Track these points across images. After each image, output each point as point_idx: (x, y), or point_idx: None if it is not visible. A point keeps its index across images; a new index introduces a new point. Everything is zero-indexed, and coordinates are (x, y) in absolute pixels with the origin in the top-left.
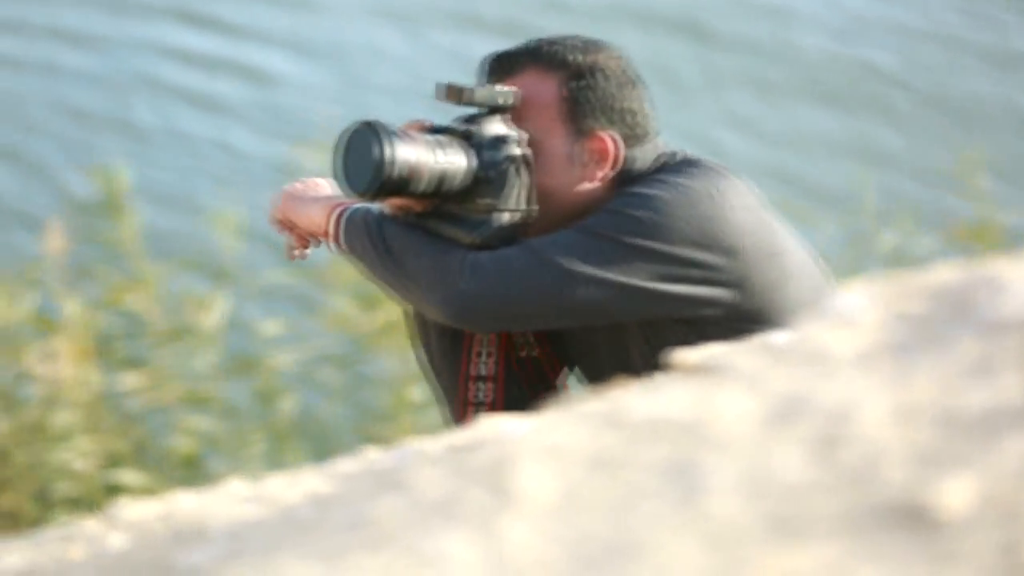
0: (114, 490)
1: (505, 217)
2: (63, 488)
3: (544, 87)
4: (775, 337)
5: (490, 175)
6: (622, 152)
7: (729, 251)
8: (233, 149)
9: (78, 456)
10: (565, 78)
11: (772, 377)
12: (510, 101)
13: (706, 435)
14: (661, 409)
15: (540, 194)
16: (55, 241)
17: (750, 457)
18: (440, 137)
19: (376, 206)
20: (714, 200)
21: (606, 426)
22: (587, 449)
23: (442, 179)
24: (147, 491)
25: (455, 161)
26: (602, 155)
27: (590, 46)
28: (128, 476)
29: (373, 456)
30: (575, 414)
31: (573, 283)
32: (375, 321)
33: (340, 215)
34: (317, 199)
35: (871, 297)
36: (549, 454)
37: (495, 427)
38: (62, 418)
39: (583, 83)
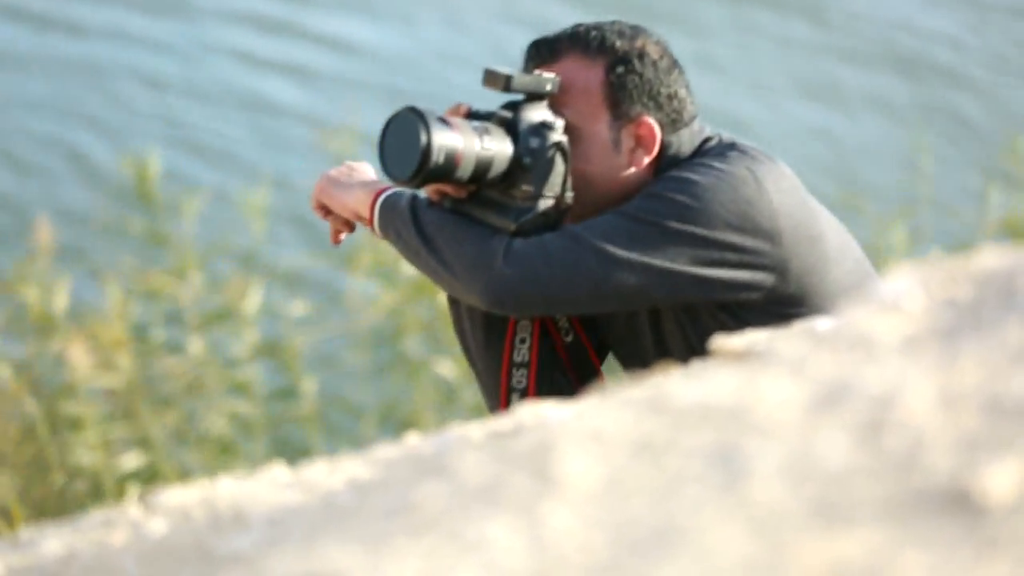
0: (138, 477)
1: (545, 204)
2: (80, 481)
3: (587, 73)
4: (818, 322)
5: (531, 162)
6: (663, 137)
7: (768, 235)
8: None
9: (88, 448)
10: (608, 63)
11: (816, 363)
12: (552, 88)
13: (750, 421)
14: (704, 395)
15: (583, 181)
16: (43, 236)
17: (794, 443)
18: (482, 123)
19: (415, 192)
20: (753, 184)
21: (649, 412)
22: (630, 435)
23: (484, 166)
24: (181, 476)
25: (497, 148)
26: (646, 141)
27: (632, 31)
28: (156, 462)
29: (414, 441)
30: (618, 400)
31: (614, 267)
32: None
33: (376, 200)
34: (356, 184)
35: (916, 282)
36: (592, 440)
37: (537, 413)
38: (80, 407)
39: (626, 68)
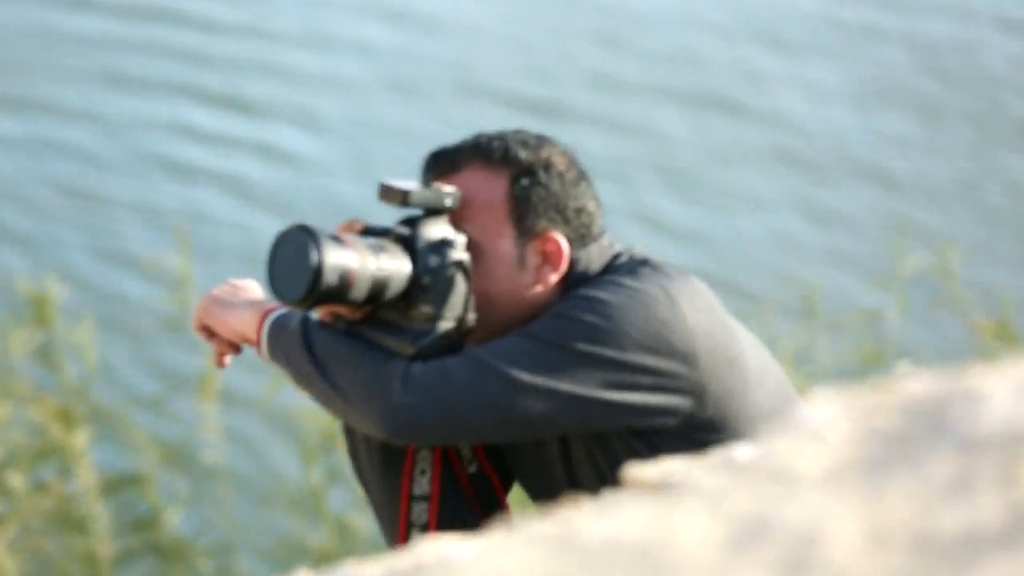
0: None
1: (446, 326)
2: None
3: (490, 185)
4: (737, 452)
5: (430, 282)
6: (572, 253)
7: (684, 357)
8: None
9: None
10: (513, 175)
11: (734, 496)
12: (452, 203)
13: (663, 559)
14: (615, 531)
15: (486, 300)
16: None
17: None
18: (377, 241)
19: (306, 313)
20: (667, 302)
21: (557, 550)
22: (537, 575)
23: (380, 286)
24: None
25: (393, 267)
26: (553, 257)
27: (536, 141)
28: None
29: None
30: (524, 536)
31: (519, 394)
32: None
33: (263, 321)
34: (241, 304)
35: (840, 410)
36: None
37: (438, 550)
38: None
39: (532, 180)
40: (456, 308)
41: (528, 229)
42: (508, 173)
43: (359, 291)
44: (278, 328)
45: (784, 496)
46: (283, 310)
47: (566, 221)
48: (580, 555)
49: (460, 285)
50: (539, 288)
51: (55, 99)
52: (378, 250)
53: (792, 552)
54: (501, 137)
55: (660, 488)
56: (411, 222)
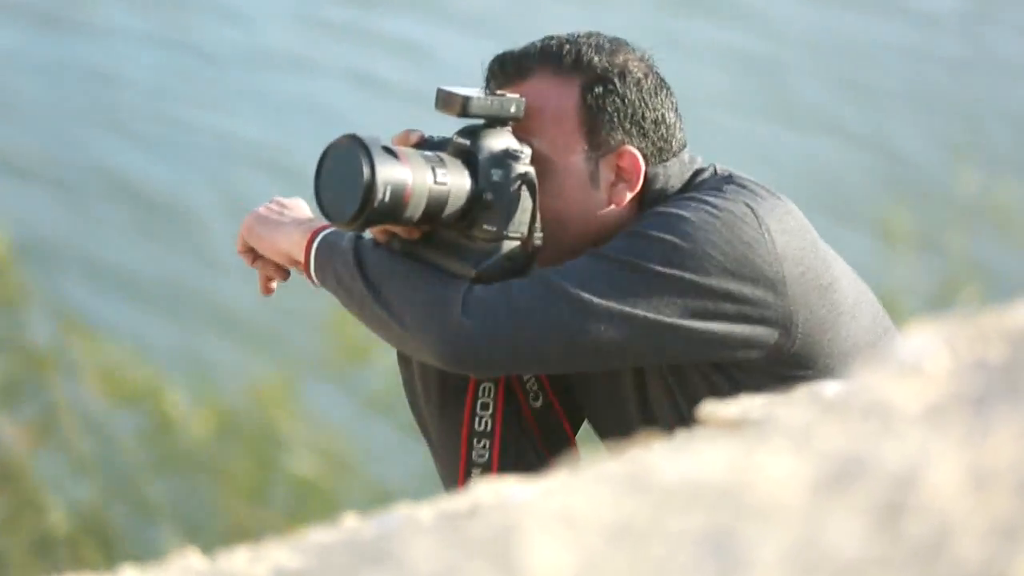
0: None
1: (510, 246)
2: None
3: (561, 94)
4: (827, 387)
5: (493, 198)
6: (648, 169)
7: (772, 283)
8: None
9: None
10: (585, 84)
11: (824, 435)
12: (516, 111)
13: (746, 502)
14: (693, 471)
15: (555, 219)
16: None
17: (799, 528)
18: (436, 154)
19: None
20: (754, 223)
21: (629, 490)
22: (607, 517)
23: (438, 203)
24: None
25: (453, 182)
26: (628, 174)
27: (611, 45)
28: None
29: (352, 525)
30: (592, 476)
31: (589, 318)
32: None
33: (312, 241)
34: (289, 223)
35: (942, 341)
36: (562, 522)
37: (497, 491)
38: None
39: (605, 89)
40: (521, 226)
41: (601, 143)
42: (580, 81)
43: (415, 209)
44: (328, 247)
45: (879, 434)
46: (333, 229)
47: (643, 134)
48: (654, 496)
49: (525, 201)
50: (613, 207)
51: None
52: (436, 164)
53: (888, 495)
54: (573, 41)
55: (740, 426)
56: (472, 133)
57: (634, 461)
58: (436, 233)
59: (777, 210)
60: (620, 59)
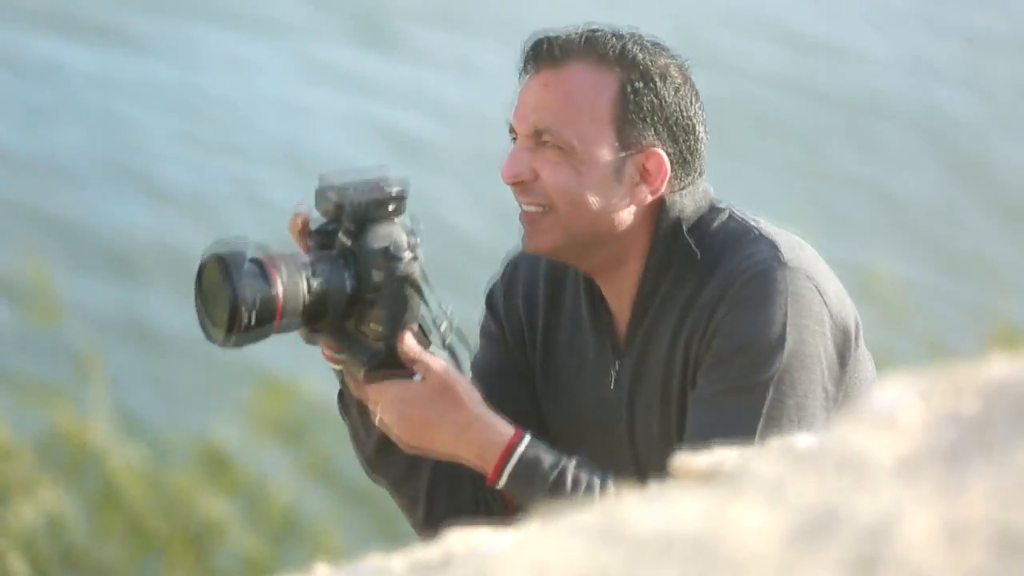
0: None
1: (411, 336)
2: None
3: (599, 84)
4: (800, 439)
5: (373, 299)
6: (667, 189)
7: (844, 361)
8: None
9: None
10: (625, 76)
11: (797, 487)
12: (396, 207)
13: (720, 554)
14: (667, 522)
15: (572, 204)
16: None
17: None
18: (314, 256)
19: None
20: (818, 299)
21: (602, 541)
22: (580, 568)
23: (316, 309)
24: None
25: (331, 287)
26: (652, 176)
27: (655, 47)
28: None
29: (324, 573)
30: (566, 527)
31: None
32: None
33: (503, 463)
34: (449, 423)
35: (915, 393)
36: (535, 573)
37: (470, 541)
38: None
39: (646, 87)
40: (408, 324)
41: (632, 140)
42: (620, 74)
43: (290, 320)
44: (525, 476)
45: (853, 487)
46: (524, 445)
47: (673, 139)
48: (628, 548)
49: (408, 301)
50: (630, 207)
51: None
52: (312, 267)
53: (862, 548)
54: (618, 34)
55: (714, 477)
56: (354, 231)
57: (607, 512)
58: (338, 322)
59: (814, 263)
60: (662, 61)
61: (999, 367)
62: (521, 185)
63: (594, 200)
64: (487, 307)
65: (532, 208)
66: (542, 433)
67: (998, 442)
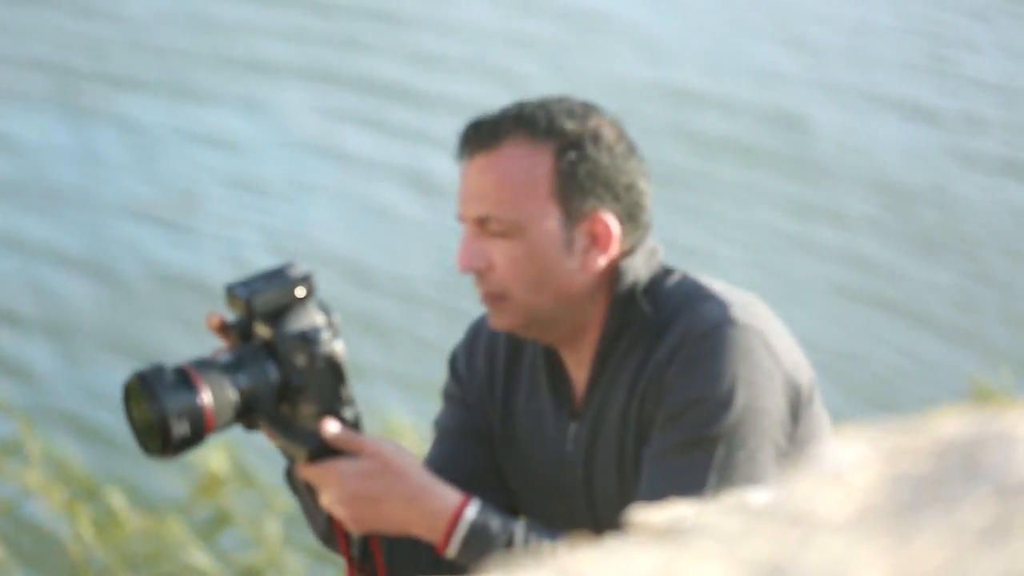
0: None
1: (335, 422)
2: None
3: (534, 160)
4: (751, 496)
5: (301, 383)
6: (618, 256)
7: (802, 402)
8: None
9: None
10: (559, 148)
11: (750, 542)
12: (305, 293)
13: None
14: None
15: (529, 285)
16: None
17: None
18: (236, 353)
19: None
20: (772, 354)
21: None
22: None
23: (248, 405)
24: None
25: (256, 381)
26: (602, 240)
27: (583, 110)
28: None
29: None
30: None
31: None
32: None
33: (453, 528)
34: (396, 496)
35: (866, 450)
36: None
37: None
38: None
39: (579, 154)
40: (336, 402)
41: (576, 209)
42: (553, 146)
43: (222, 420)
44: (478, 544)
45: (804, 542)
46: (472, 511)
47: (616, 198)
48: None
49: (333, 378)
50: (585, 275)
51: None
52: (236, 368)
53: None
54: (544, 106)
55: (668, 533)
56: (270, 321)
57: (561, 566)
58: (271, 412)
59: (766, 321)
60: (592, 123)
61: (948, 424)
62: (477, 274)
63: (550, 278)
64: (450, 370)
65: (491, 293)
66: (503, 493)
67: (947, 498)
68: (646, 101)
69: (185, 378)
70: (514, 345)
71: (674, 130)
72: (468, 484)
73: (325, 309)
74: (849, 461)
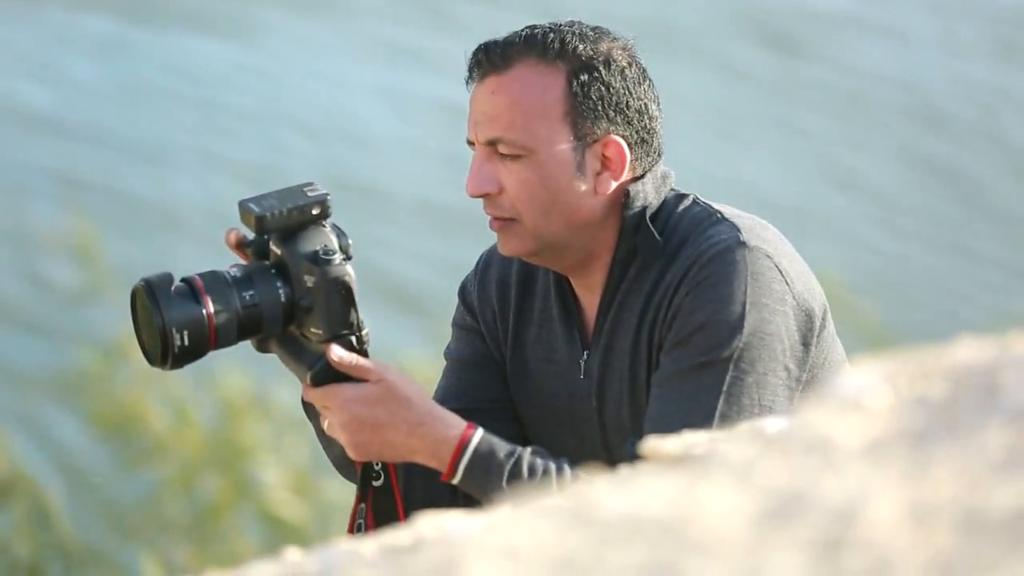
0: None
1: (340, 347)
2: None
3: (546, 84)
4: (768, 423)
5: (309, 303)
6: (628, 181)
7: (814, 327)
8: None
9: None
10: (571, 71)
11: (765, 469)
12: (321, 212)
13: (688, 536)
14: (635, 505)
15: (539, 208)
16: None
17: (739, 562)
18: (247, 268)
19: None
20: (783, 277)
21: (571, 524)
22: (549, 551)
23: (253, 322)
24: None
25: (263, 298)
26: (613, 163)
27: (595, 34)
28: None
29: (295, 558)
30: (535, 510)
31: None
32: None
33: (457, 456)
34: (400, 421)
35: (882, 377)
36: (505, 556)
37: (440, 525)
38: None
39: (591, 77)
40: (345, 326)
41: (587, 132)
42: (565, 68)
43: (227, 336)
44: (480, 470)
45: (820, 469)
46: (477, 439)
47: (628, 122)
48: (597, 530)
49: (345, 302)
50: (596, 197)
51: None
52: (244, 283)
53: (828, 530)
54: (556, 29)
55: (683, 461)
56: (284, 239)
57: (577, 496)
58: (279, 331)
59: (777, 244)
60: (604, 47)
61: (965, 351)
62: (487, 198)
63: (561, 201)
64: (461, 300)
65: (501, 218)
66: (516, 423)
67: (964, 425)
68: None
69: (191, 288)
70: (526, 275)
71: None
72: (481, 414)
73: (339, 232)
74: (865, 388)
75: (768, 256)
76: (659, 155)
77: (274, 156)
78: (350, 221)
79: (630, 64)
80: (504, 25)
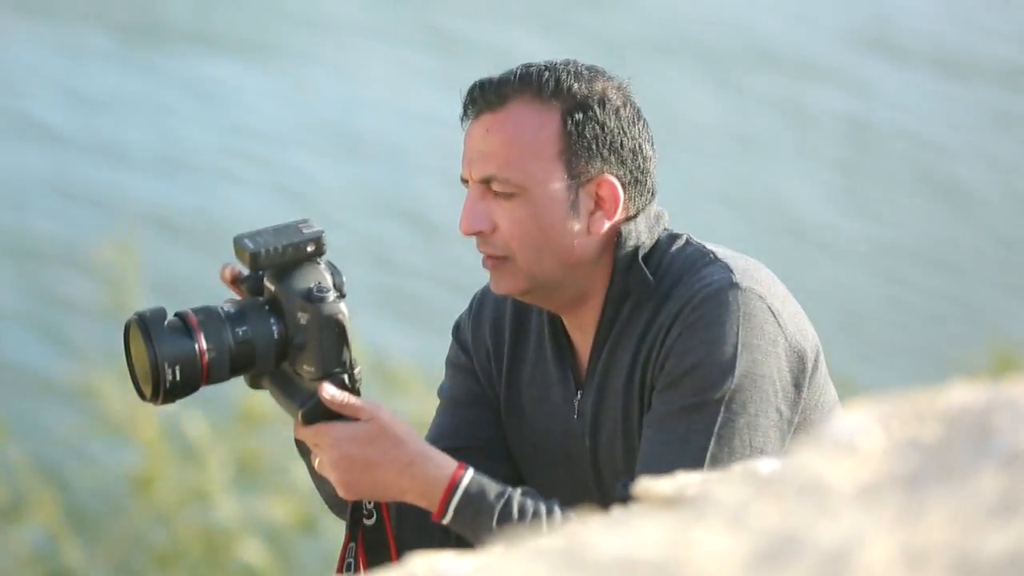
0: None
1: (332, 385)
2: None
3: (539, 119)
4: (762, 465)
5: (301, 341)
6: (620, 221)
7: (806, 369)
8: None
9: None
10: (565, 110)
11: (759, 511)
12: (316, 248)
13: None
14: (628, 547)
15: (533, 247)
16: None
17: None
18: (240, 304)
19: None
20: (776, 318)
21: (565, 566)
22: None
23: (246, 358)
24: None
25: (257, 334)
26: (607, 203)
27: (590, 73)
28: None
29: None
30: (528, 551)
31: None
32: None
33: (447, 499)
34: (391, 461)
35: (875, 420)
36: None
37: (432, 565)
38: None
39: (586, 116)
40: (337, 365)
41: (581, 171)
42: (560, 107)
43: (219, 372)
44: (471, 510)
45: (813, 512)
46: (467, 479)
47: (621, 162)
48: (590, 572)
49: (335, 339)
50: (589, 236)
51: None
52: (237, 319)
53: (822, 572)
54: (551, 68)
55: (676, 502)
56: (277, 276)
57: (570, 537)
58: (272, 369)
59: (770, 285)
60: (599, 86)
61: (959, 393)
62: (480, 236)
63: (554, 240)
64: (455, 339)
65: (494, 256)
66: (510, 463)
67: (958, 468)
68: None
69: (185, 323)
70: (520, 315)
71: None
72: (474, 453)
73: (334, 270)
74: (858, 430)
75: (761, 297)
76: (652, 195)
77: (298, 178)
78: (374, 240)
79: (625, 104)
80: (543, 53)
